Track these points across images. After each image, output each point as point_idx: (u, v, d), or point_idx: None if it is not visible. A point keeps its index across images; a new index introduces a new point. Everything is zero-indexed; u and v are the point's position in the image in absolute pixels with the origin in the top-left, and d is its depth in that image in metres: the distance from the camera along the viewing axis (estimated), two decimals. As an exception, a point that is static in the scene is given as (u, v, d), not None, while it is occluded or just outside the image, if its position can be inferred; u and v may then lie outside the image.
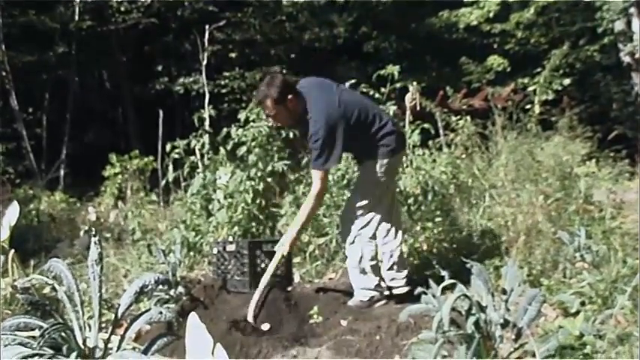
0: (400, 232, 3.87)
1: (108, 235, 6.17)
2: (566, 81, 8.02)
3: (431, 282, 2.20)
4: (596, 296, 3.12)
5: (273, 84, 3.59)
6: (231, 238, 4.63)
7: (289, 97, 3.59)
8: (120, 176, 8.26)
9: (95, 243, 1.77)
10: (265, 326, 3.38)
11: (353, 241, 3.71)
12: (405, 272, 3.81)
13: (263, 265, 3.89)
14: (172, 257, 3.87)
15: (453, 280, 2.09)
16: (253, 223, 4.96)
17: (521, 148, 5.47)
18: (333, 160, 3.57)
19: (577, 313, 2.81)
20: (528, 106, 6.41)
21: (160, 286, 3.44)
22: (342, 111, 3.58)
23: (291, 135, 5.17)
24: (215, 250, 4.13)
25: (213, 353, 1.67)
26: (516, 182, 4.98)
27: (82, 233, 6.43)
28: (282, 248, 3.74)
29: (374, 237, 3.72)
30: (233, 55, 13.33)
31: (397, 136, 3.75)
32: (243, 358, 2.83)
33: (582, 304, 3.05)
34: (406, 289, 3.72)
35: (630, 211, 5.49)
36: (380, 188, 3.70)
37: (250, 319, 3.38)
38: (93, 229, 3.36)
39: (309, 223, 4.28)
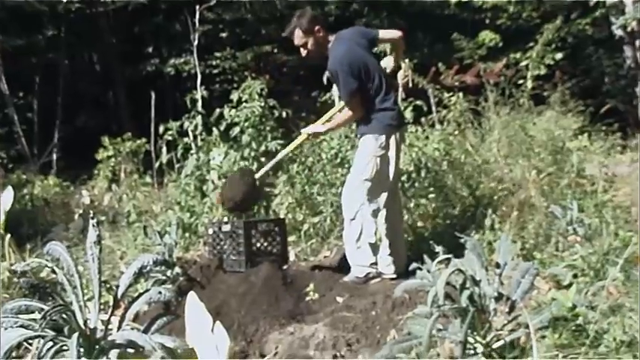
0: (402, 219, 3.97)
1: (103, 218, 6.18)
2: (559, 55, 8.00)
3: (425, 257, 2.22)
4: (588, 269, 3.16)
5: (303, 15, 3.87)
6: (226, 219, 4.64)
7: (317, 27, 3.84)
8: (113, 159, 8.23)
9: (93, 225, 1.78)
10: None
11: (354, 217, 3.74)
12: (400, 260, 3.82)
13: (258, 245, 3.92)
14: (168, 238, 3.88)
15: (447, 255, 2.11)
16: (247, 203, 4.97)
17: (514, 123, 5.49)
18: (353, 85, 3.70)
19: (569, 285, 2.84)
20: (520, 82, 6.40)
21: (158, 267, 3.49)
22: (362, 61, 3.75)
23: (284, 114, 5.17)
24: (210, 231, 4.15)
25: (212, 331, 1.70)
26: (509, 157, 5.01)
27: (76, 217, 6.44)
28: (306, 130, 3.97)
29: (376, 215, 3.74)
30: (224, 34, 13.22)
31: (396, 113, 3.83)
32: (240, 335, 2.86)
33: (575, 276, 3.09)
34: (394, 275, 3.77)
35: (622, 184, 5.53)
36: (380, 163, 3.71)
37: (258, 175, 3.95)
38: (90, 211, 3.37)
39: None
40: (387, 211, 3.78)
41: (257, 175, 4.09)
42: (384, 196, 3.74)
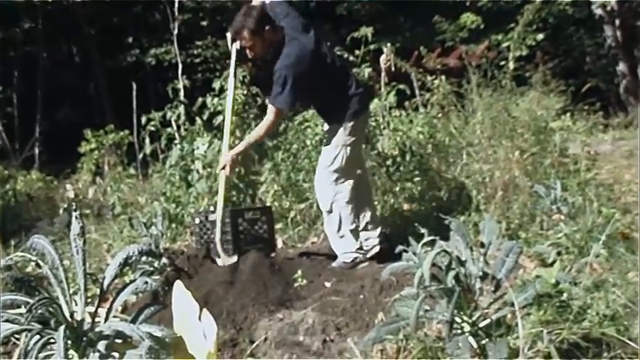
0: (370, 192, 3.96)
1: (87, 211, 6.14)
2: (540, 36, 7.99)
3: (411, 240, 2.23)
4: (572, 246, 3.21)
5: (251, 14, 3.57)
6: (212, 208, 4.63)
7: (266, 27, 3.58)
8: (96, 152, 8.15)
9: (76, 217, 1.77)
10: (233, 259, 3.62)
11: (330, 210, 3.74)
12: (379, 230, 3.86)
13: (246, 233, 3.92)
14: (154, 229, 3.86)
15: (432, 237, 2.12)
16: (233, 192, 4.96)
17: (497, 104, 5.50)
18: (289, 99, 3.58)
19: (554, 263, 2.88)
20: (502, 63, 6.42)
21: (145, 259, 3.48)
22: (313, 60, 3.59)
23: (267, 101, 5.14)
24: (197, 221, 4.14)
25: (200, 319, 1.70)
26: (492, 139, 5.03)
27: (61, 211, 6.38)
28: (224, 170, 3.81)
29: (351, 201, 3.73)
30: (204, 23, 13.11)
31: (362, 97, 3.75)
32: (229, 324, 2.87)
33: (559, 254, 3.13)
34: (378, 247, 3.78)
35: (604, 162, 5.60)
36: (349, 151, 3.69)
37: (217, 240, 3.69)
38: (75, 205, 3.35)
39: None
40: (358, 191, 3.80)
41: (216, 239, 3.78)
42: (355, 181, 3.74)
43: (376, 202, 4.58)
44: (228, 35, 3.83)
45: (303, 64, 3.55)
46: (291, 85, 3.52)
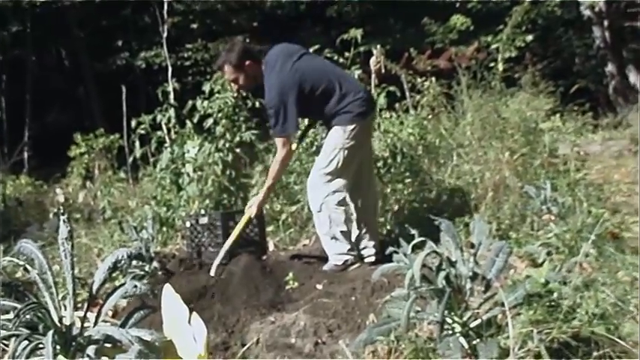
0: (375, 203, 3.97)
1: (78, 215, 6.11)
2: (529, 37, 8.05)
3: (402, 241, 2.24)
4: (562, 246, 3.22)
5: (232, 50, 3.71)
6: (203, 211, 4.63)
7: (247, 62, 3.70)
8: (86, 156, 8.10)
9: (64, 221, 1.76)
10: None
11: (320, 209, 3.73)
12: (374, 242, 3.86)
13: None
14: (145, 233, 3.85)
15: (422, 238, 2.13)
16: (224, 195, 4.96)
17: (487, 106, 5.52)
18: (290, 125, 3.63)
19: (544, 263, 2.90)
20: (492, 64, 6.45)
21: (135, 262, 3.47)
22: (297, 78, 3.63)
23: (257, 104, 5.14)
24: (188, 224, 4.13)
25: (189, 322, 1.69)
26: (483, 140, 5.05)
27: (51, 216, 6.35)
28: (250, 210, 3.84)
29: (342, 203, 3.73)
30: (194, 26, 13.10)
31: (362, 101, 3.72)
32: (221, 327, 2.86)
33: (549, 254, 3.14)
34: (374, 258, 3.79)
35: (594, 162, 5.63)
36: (346, 154, 3.67)
37: (212, 273, 3.58)
38: (63, 209, 3.33)
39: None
40: (357, 197, 3.80)
41: (212, 272, 3.62)
42: (348, 185, 3.72)
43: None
44: None
45: (288, 88, 3.61)
46: (288, 111, 3.59)
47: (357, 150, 3.73)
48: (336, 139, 3.67)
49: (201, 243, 4.01)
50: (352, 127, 3.66)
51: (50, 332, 1.60)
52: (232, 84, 3.88)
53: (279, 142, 3.72)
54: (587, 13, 11.99)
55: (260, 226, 4.04)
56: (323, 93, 3.67)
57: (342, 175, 3.70)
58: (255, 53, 3.81)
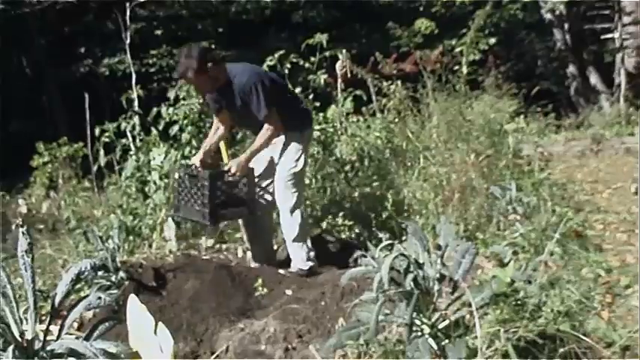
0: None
1: (42, 226, 5.96)
2: (492, 40, 8.17)
3: (369, 244, 2.24)
4: (528, 245, 3.27)
5: (192, 55, 3.59)
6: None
7: (209, 65, 3.63)
8: (50, 165, 7.93)
9: (23, 233, 1.72)
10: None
11: (293, 211, 3.75)
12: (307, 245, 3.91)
13: (223, 198, 3.79)
14: (111, 243, 3.77)
15: (390, 241, 2.14)
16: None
17: (452, 108, 5.59)
18: (271, 99, 3.68)
19: (510, 262, 2.93)
20: (457, 68, 6.53)
21: (101, 273, 3.40)
22: (269, 77, 3.81)
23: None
24: (176, 175, 4.01)
25: (155, 333, 1.66)
26: (449, 142, 5.10)
27: (13, 227, 6.19)
28: (235, 169, 3.76)
29: (304, 209, 3.86)
30: (158, 32, 12.96)
31: (308, 113, 4.09)
32: (190, 335, 2.82)
33: (515, 253, 3.19)
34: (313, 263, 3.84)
35: (557, 162, 5.74)
36: (305, 157, 3.84)
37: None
38: (22, 221, 3.24)
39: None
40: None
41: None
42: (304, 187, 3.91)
43: (335, 209, 4.61)
44: None
45: (262, 74, 3.77)
46: (265, 86, 3.65)
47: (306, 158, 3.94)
48: (296, 142, 3.80)
49: (187, 198, 3.86)
50: (307, 132, 3.91)
51: (10, 347, 1.56)
52: (195, 88, 3.85)
53: (269, 118, 3.68)
54: (548, 16, 12.25)
55: (250, 185, 3.91)
56: (283, 98, 3.83)
57: (302, 181, 3.87)
58: (214, 54, 3.80)
